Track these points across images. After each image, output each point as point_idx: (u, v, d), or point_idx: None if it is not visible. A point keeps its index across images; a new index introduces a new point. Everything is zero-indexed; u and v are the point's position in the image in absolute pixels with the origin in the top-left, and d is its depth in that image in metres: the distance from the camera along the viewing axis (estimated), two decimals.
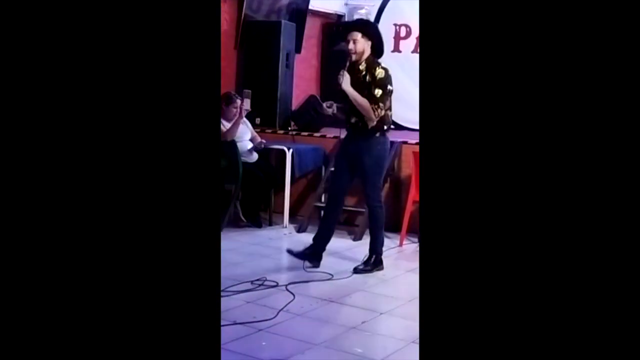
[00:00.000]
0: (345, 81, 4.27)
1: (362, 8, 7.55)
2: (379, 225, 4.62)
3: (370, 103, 4.28)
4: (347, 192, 4.74)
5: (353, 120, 4.42)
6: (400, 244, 5.39)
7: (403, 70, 7.50)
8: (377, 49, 4.41)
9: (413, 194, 5.37)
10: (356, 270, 4.52)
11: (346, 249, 5.12)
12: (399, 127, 7.46)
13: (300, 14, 7.11)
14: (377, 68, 4.33)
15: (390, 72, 4.39)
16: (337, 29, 4.60)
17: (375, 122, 4.34)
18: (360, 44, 4.32)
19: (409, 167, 5.63)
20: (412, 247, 5.40)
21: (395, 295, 4.12)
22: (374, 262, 4.59)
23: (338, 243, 4.89)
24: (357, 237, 5.50)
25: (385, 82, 4.33)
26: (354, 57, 4.34)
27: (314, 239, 4.63)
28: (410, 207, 5.39)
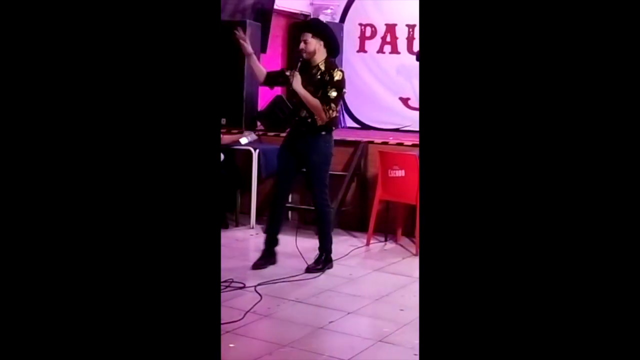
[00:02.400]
0: (297, 81, 4.33)
1: (327, 8, 7.56)
2: (329, 224, 4.68)
3: (323, 103, 4.35)
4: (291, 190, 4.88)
5: (303, 114, 4.44)
6: (367, 244, 5.41)
7: (369, 70, 7.55)
8: (332, 49, 4.50)
9: (379, 194, 5.38)
10: (308, 270, 4.52)
11: (313, 249, 5.09)
12: (365, 127, 7.51)
13: (265, 13, 7.08)
14: (337, 70, 4.43)
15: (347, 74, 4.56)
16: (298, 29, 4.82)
17: (324, 121, 4.42)
18: (312, 45, 4.39)
19: (375, 166, 5.64)
20: (378, 247, 5.42)
21: (362, 295, 4.13)
22: (325, 260, 4.62)
23: (305, 243, 4.88)
24: None
25: (341, 85, 4.43)
26: (304, 56, 4.42)
27: (266, 243, 4.68)
28: (376, 207, 5.41)
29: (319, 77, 4.40)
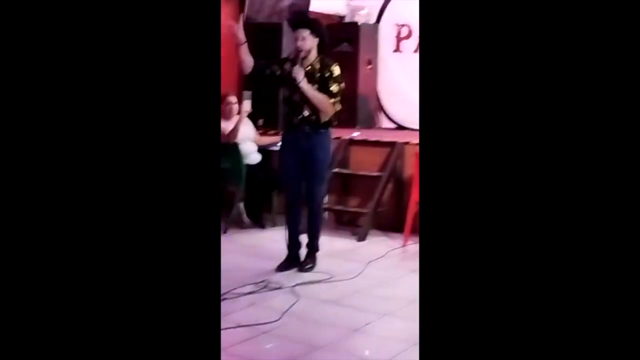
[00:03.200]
0: (303, 78, 4.28)
1: (363, 9, 7.55)
2: (321, 221, 4.68)
3: (330, 97, 4.34)
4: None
5: (306, 113, 4.40)
6: (404, 245, 5.40)
7: (404, 70, 7.51)
8: (323, 46, 4.47)
9: (416, 195, 5.37)
10: (302, 268, 4.55)
11: (350, 250, 5.12)
12: (401, 128, 7.48)
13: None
14: (334, 65, 4.41)
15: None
16: (288, 23, 4.48)
17: (328, 117, 4.41)
18: (309, 42, 4.34)
19: (411, 167, 5.63)
20: (415, 248, 5.39)
21: (398, 297, 4.11)
22: (314, 257, 4.64)
23: (342, 244, 4.90)
24: (361, 238, 5.52)
25: (341, 78, 4.43)
26: (302, 54, 4.35)
27: (289, 247, 4.65)
28: (413, 208, 5.39)
29: (318, 74, 4.37)
